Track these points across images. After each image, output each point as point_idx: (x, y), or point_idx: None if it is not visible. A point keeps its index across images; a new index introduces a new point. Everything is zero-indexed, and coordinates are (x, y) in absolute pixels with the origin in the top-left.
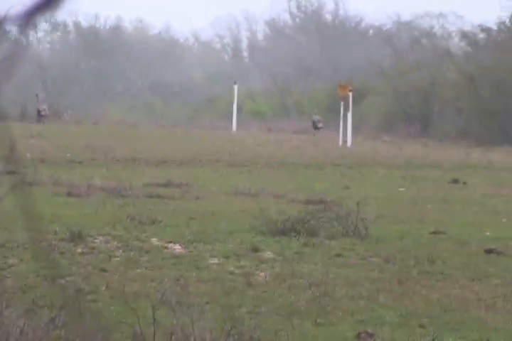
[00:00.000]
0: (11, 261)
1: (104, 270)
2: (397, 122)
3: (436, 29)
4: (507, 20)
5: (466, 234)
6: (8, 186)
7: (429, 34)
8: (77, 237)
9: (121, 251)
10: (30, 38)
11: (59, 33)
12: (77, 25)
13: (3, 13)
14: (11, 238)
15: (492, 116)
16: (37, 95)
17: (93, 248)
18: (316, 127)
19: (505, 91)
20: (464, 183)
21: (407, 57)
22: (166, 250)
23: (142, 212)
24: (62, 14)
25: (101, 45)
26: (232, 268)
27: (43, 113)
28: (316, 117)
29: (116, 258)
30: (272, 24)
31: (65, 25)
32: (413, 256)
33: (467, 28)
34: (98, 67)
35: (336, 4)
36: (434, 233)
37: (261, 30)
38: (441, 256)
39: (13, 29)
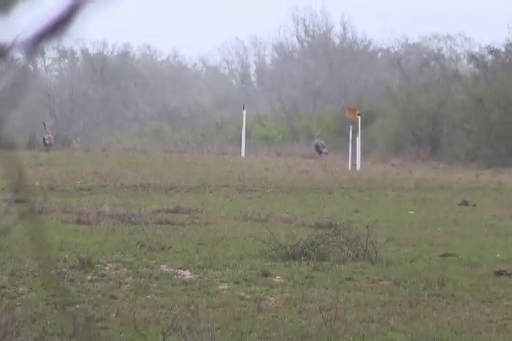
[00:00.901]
0: (20, 289)
1: (113, 297)
2: (406, 145)
3: (445, 51)
4: None
5: (476, 256)
6: (17, 215)
7: (437, 56)
8: (86, 264)
9: (130, 277)
10: (38, 66)
11: (67, 61)
12: (84, 52)
13: (9, 41)
14: (20, 266)
15: (501, 138)
16: (44, 123)
17: (103, 275)
18: (320, 152)
19: None
20: (474, 205)
21: (416, 80)
22: (175, 276)
23: (152, 238)
24: (70, 41)
25: (109, 71)
26: (242, 294)
27: (47, 141)
28: (320, 142)
29: (126, 285)
30: (280, 48)
31: (73, 53)
32: (423, 279)
33: (475, 49)
34: (106, 94)
35: (344, 28)
36: (444, 255)
37: (269, 55)
38: (451, 279)
39: (20, 56)
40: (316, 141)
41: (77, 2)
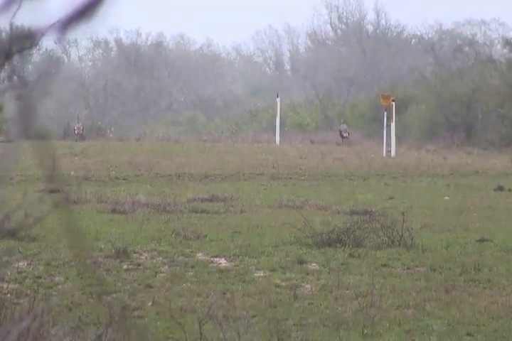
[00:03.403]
0: (56, 279)
1: (149, 286)
2: (440, 131)
3: (479, 37)
4: None
5: None
6: (52, 204)
7: (471, 42)
8: (122, 254)
9: (166, 266)
10: (72, 56)
11: (100, 51)
12: (118, 42)
13: (39, 27)
14: (56, 256)
15: None
16: (78, 116)
17: (138, 264)
18: (342, 136)
19: None
20: (510, 190)
21: (450, 66)
22: (211, 264)
23: (187, 227)
24: (104, 31)
25: (143, 61)
26: (278, 281)
27: (77, 131)
28: (343, 126)
29: (162, 274)
30: (314, 36)
31: (107, 43)
32: (459, 265)
33: (510, 34)
34: (140, 84)
35: (378, 15)
36: (479, 241)
37: (302, 43)
38: (487, 264)
39: (53, 46)
40: (341, 125)
41: None
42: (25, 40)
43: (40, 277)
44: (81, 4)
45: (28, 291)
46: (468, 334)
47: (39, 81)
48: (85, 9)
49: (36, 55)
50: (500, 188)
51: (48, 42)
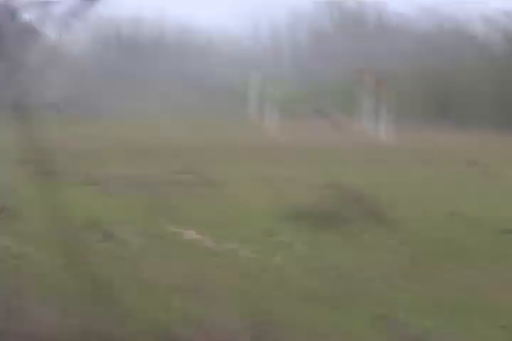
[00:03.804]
0: (26, 249)
1: (120, 257)
2: (417, 107)
3: (459, 14)
4: None
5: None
6: (27, 175)
7: (452, 19)
8: (95, 225)
9: (137, 238)
10: (71, 43)
11: (79, 23)
12: (97, 14)
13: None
14: (27, 227)
15: None
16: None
17: (111, 235)
18: (321, 113)
19: None
20: (480, 165)
21: (430, 42)
22: (180, 236)
23: (160, 199)
24: (103, 20)
25: (122, 35)
26: (248, 254)
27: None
28: (321, 104)
29: (133, 246)
30: (291, 8)
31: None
32: (429, 239)
33: (489, 12)
34: (119, 57)
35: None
36: (450, 214)
37: (281, 15)
38: (456, 238)
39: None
40: (318, 104)
41: None
42: (26, 28)
43: (10, 247)
44: None
45: None
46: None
47: (38, 67)
48: None
49: (37, 43)
50: (473, 163)
51: (49, 30)
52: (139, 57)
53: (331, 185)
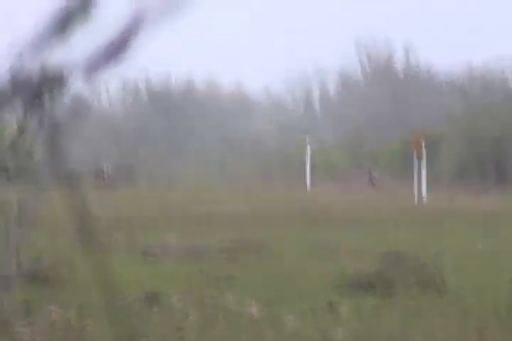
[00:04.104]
0: (87, 322)
1: (180, 329)
2: (470, 171)
3: (508, 73)
4: None
5: None
6: (83, 249)
7: (502, 78)
8: (152, 297)
9: (197, 310)
10: (102, 97)
11: (130, 92)
12: (148, 83)
13: (66, 68)
14: (86, 300)
15: None
16: (106, 158)
17: (169, 307)
18: (372, 182)
19: None
20: None
21: (479, 103)
22: (242, 309)
23: (218, 270)
24: (134, 73)
25: (173, 103)
26: (309, 326)
27: (105, 173)
28: (373, 172)
29: (192, 318)
30: (343, 76)
31: (136, 84)
32: (492, 307)
33: None
34: (170, 126)
35: (407, 53)
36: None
37: (332, 83)
38: None
39: (81, 86)
40: (370, 171)
41: (135, 24)
42: (54, 81)
43: (71, 321)
44: (111, 45)
45: (60, 334)
46: None
47: (69, 122)
48: (115, 50)
49: (66, 97)
50: None
51: (78, 84)
52: (191, 126)
53: (389, 253)
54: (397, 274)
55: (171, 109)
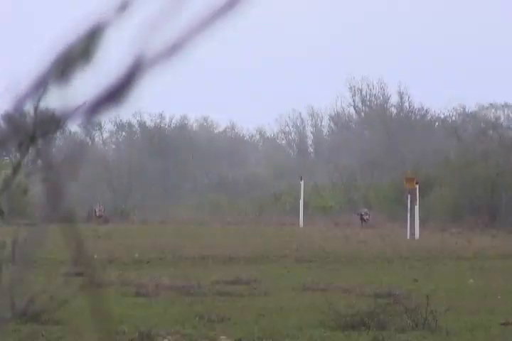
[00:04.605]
0: None
1: None
2: (464, 214)
3: (502, 120)
4: None
5: None
6: (77, 287)
7: (495, 125)
8: (146, 337)
9: None
10: (96, 139)
11: (124, 133)
12: (142, 124)
13: (65, 110)
14: (80, 340)
15: None
16: (99, 199)
17: None
18: (362, 219)
19: None
20: None
21: (473, 149)
22: None
23: (211, 309)
24: (127, 114)
25: (166, 144)
26: None
27: (98, 214)
28: (363, 210)
29: None
30: (337, 119)
31: (130, 125)
32: None
33: None
34: (164, 167)
35: (401, 97)
36: (504, 324)
37: (326, 125)
38: None
39: (77, 129)
40: (361, 209)
41: (135, 69)
42: (50, 123)
43: None
44: (110, 89)
45: None
46: None
47: (65, 164)
48: (114, 94)
49: (60, 138)
50: None
51: (73, 125)
52: (186, 166)
53: (384, 294)
54: (389, 314)
55: (165, 150)
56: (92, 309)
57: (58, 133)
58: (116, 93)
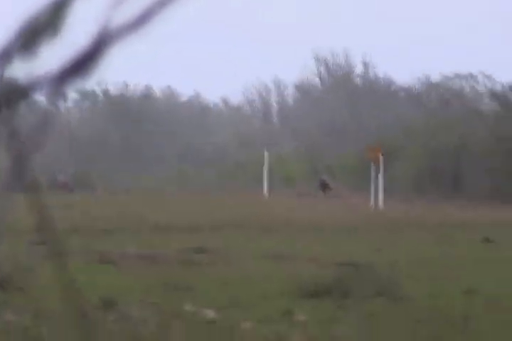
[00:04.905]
0: (44, 330)
1: (137, 337)
2: (428, 183)
3: (466, 90)
4: None
5: (500, 292)
6: (42, 256)
7: (459, 95)
8: (109, 305)
9: (154, 317)
10: (60, 108)
11: (88, 102)
12: (106, 93)
13: (30, 81)
14: (44, 307)
15: None
16: (62, 168)
17: (126, 315)
18: (325, 186)
19: None
20: (494, 242)
21: (437, 118)
22: (199, 316)
23: (176, 278)
24: (92, 83)
25: (130, 113)
26: (266, 333)
27: (62, 183)
28: (324, 176)
29: (150, 325)
30: (302, 88)
31: (95, 94)
32: (446, 316)
33: (496, 87)
34: (128, 136)
35: (366, 67)
36: (467, 292)
37: (291, 95)
38: (474, 315)
39: (42, 98)
40: (321, 176)
41: (101, 40)
42: (14, 92)
43: (28, 328)
44: (75, 60)
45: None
46: None
47: (30, 133)
48: (80, 65)
49: (26, 109)
50: (487, 240)
51: (38, 96)
52: (150, 135)
53: (347, 263)
54: (353, 282)
55: (129, 119)
56: (58, 276)
57: (23, 103)
58: (81, 64)
